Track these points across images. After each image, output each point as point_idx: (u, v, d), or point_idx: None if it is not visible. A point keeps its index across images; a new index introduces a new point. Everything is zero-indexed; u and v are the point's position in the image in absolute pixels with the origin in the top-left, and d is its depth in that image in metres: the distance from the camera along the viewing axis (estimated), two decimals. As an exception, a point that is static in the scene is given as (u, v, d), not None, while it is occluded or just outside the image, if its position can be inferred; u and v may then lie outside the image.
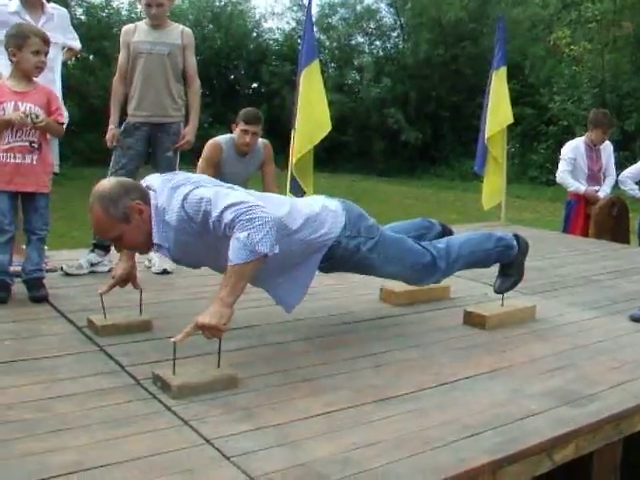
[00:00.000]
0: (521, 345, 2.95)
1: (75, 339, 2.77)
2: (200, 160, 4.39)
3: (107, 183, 2.56)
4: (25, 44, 3.19)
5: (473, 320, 3.20)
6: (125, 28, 4.11)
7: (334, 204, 2.85)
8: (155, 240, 2.52)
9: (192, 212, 2.42)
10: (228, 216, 2.34)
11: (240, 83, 22.70)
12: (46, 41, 3.27)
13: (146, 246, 2.62)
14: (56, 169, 3.83)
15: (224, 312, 2.28)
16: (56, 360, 2.50)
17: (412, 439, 1.99)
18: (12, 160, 3.20)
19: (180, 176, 2.61)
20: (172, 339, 2.25)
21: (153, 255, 3.95)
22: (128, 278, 2.89)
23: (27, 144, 3.23)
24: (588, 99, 15.97)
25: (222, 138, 4.46)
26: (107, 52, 18.32)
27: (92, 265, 3.89)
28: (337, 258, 2.81)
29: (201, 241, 2.49)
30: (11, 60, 3.24)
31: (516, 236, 3.32)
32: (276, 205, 2.62)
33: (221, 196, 2.42)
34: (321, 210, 2.76)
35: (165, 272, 3.89)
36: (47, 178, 3.34)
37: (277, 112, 18.57)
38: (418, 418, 2.14)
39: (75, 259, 3.91)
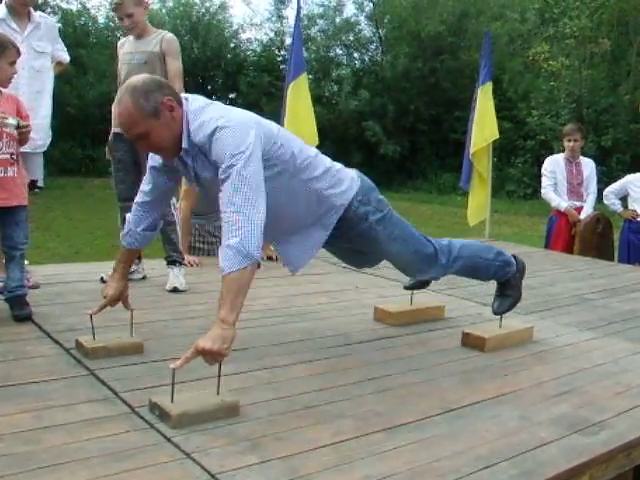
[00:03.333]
0: (523, 368, 2.89)
1: (63, 362, 2.65)
2: None
3: (140, 76, 2.48)
4: (3, 54, 3.07)
5: (472, 342, 3.13)
6: (120, 41, 4.10)
7: (350, 169, 2.88)
8: (184, 145, 2.44)
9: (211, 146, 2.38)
10: (227, 172, 2.30)
11: (218, 94, 22.55)
12: (19, 53, 3.18)
13: (171, 150, 2.50)
14: (40, 183, 3.72)
15: (226, 335, 2.18)
16: (45, 385, 2.38)
17: (426, 471, 1.90)
18: None
19: (218, 106, 2.57)
20: (171, 365, 2.13)
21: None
22: (119, 298, 2.78)
23: (8, 156, 3.08)
24: (565, 114, 16.14)
25: None
26: (83, 60, 18.13)
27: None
28: (345, 222, 2.76)
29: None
30: None
31: (514, 257, 3.28)
32: (304, 147, 2.65)
33: (241, 143, 2.35)
34: (341, 168, 2.79)
35: (175, 290, 3.78)
36: (25, 189, 3.21)
37: (255, 123, 18.45)
38: (429, 448, 2.06)
39: (62, 273, 3.79)
